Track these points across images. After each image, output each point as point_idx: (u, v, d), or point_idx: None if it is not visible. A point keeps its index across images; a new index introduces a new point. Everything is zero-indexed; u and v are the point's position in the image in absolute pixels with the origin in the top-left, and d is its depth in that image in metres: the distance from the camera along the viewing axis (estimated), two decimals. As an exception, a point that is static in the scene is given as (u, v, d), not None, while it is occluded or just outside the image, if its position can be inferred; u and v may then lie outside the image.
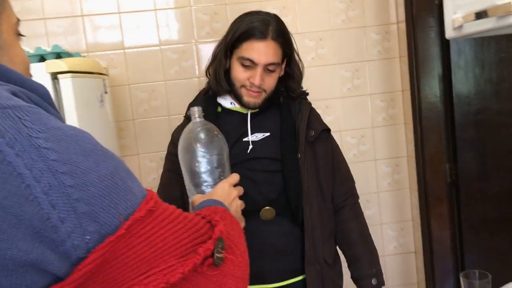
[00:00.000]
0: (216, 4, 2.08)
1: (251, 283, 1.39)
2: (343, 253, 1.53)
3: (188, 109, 1.46)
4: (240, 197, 1.30)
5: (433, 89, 2.05)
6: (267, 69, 1.35)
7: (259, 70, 1.33)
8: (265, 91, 1.38)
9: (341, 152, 1.55)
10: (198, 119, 1.10)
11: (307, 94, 1.50)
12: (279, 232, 1.39)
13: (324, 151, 1.44)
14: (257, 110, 1.42)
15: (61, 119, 0.63)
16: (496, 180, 2.07)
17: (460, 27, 1.23)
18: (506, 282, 1.14)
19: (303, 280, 1.41)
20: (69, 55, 1.55)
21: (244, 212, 1.34)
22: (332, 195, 1.48)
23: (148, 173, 2.10)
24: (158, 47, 2.07)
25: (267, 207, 1.36)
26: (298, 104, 1.44)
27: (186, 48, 2.08)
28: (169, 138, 2.10)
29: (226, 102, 1.44)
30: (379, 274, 1.48)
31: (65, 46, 2.00)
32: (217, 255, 0.63)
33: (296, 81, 1.46)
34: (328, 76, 2.15)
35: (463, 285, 1.13)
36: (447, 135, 2.07)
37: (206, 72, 1.49)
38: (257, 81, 1.33)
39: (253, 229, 1.35)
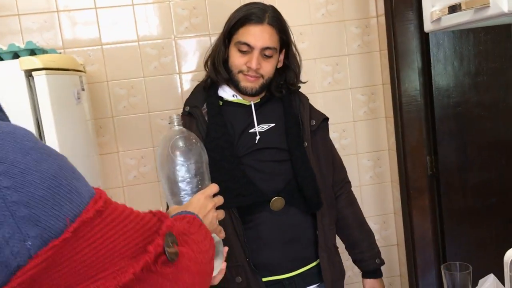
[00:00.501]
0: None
1: (264, 276, 1.38)
2: (342, 238, 1.61)
3: (185, 105, 1.46)
4: (249, 189, 1.33)
5: (413, 82, 2.06)
6: (264, 54, 1.37)
7: (255, 53, 1.35)
8: (262, 76, 1.40)
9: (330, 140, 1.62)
10: (176, 127, 1.08)
11: (299, 87, 1.57)
12: (290, 221, 1.41)
13: (324, 140, 1.50)
14: (259, 100, 1.45)
15: (7, 119, 0.59)
16: (476, 172, 2.09)
17: (438, 20, 1.23)
18: (487, 273, 1.15)
19: (314, 266, 1.47)
20: (43, 51, 1.51)
21: (254, 204, 1.36)
22: (332, 182, 1.55)
23: (129, 171, 2.07)
24: (136, 43, 2.04)
25: (276, 197, 1.37)
26: (298, 96, 1.49)
27: (165, 44, 2.05)
28: (149, 135, 2.09)
29: (228, 94, 1.45)
30: (379, 254, 1.59)
31: (41, 42, 1.96)
32: (168, 249, 0.60)
33: (294, 73, 1.49)
34: (309, 70, 2.14)
35: (445, 277, 1.13)
36: (427, 127, 2.09)
37: (205, 65, 1.50)
38: (253, 64, 1.35)
39: (264, 220, 1.37)
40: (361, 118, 2.22)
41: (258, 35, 1.34)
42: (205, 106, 1.45)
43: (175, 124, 1.07)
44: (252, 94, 1.42)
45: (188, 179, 1.06)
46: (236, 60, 1.39)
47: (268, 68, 1.40)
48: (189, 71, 2.06)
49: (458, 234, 2.12)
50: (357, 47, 2.18)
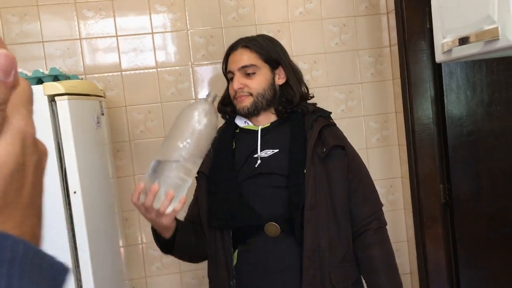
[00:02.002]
0: (212, 28, 2.11)
1: None
2: (365, 281, 1.47)
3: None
4: (248, 213, 1.34)
5: (426, 111, 2.08)
6: (246, 73, 1.44)
7: (236, 75, 1.45)
8: (251, 94, 1.44)
9: (365, 172, 1.52)
10: (212, 103, 1.20)
11: (324, 111, 1.53)
12: (283, 249, 1.37)
13: (337, 168, 1.41)
14: (269, 125, 1.47)
15: None
16: (489, 201, 2.08)
17: (449, 51, 1.26)
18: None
19: None
20: (66, 77, 1.57)
21: (250, 228, 1.36)
22: (354, 216, 1.44)
23: (144, 194, 2.10)
24: (155, 69, 2.10)
25: (271, 223, 1.36)
26: (312, 120, 1.45)
27: (182, 71, 2.11)
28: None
29: (241, 122, 1.50)
30: None
31: (63, 68, 2.02)
32: None
33: (292, 86, 1.49)
34: (323, 98, 2.17)
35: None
36: (440, 156, 2.09)
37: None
38: (234, 85, 1.44)
39: (258, 245, 1.37)
40: (374, 145, 2.24)
41: (234, 59, 1.46)
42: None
43: (212, 99, 1.19)
44: (248, 114, 1.45)
45: (196, 147, 1.15)
46: (230, 90, 1.50)
47: (253, 84, 1.44)
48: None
49: (472, 264, 2.10)
50: (370, 76, 2.21)
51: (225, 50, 2.09)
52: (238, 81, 1.44)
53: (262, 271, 1.37)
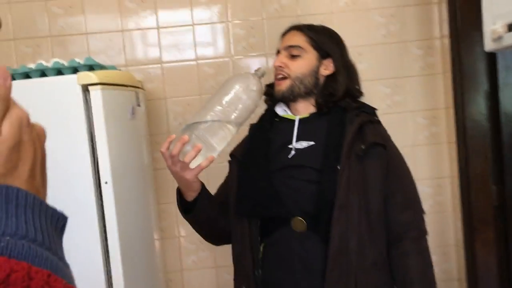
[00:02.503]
0: (253, 19, 2.07)
1: None
2: None
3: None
4: (276, 203, 1.27)
5: (478, 106, 1.94)
6: (291, 54, 1.40)
7: (281, 53, 1.43)
8: (289, 76, 1.40)
9: (407, 175, 1.42)
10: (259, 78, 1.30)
11: (369, 107, 1.46)
12: (308, 248, 1.31)
13: (376, 168, 1.33)
14: (307, 116, 1.42)
15: None
16: (548, 205, 1.91)
17: (500, 38, 1.15)
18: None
19: None
20: (101, 67, 1.57)
21: (277, 221, 1.30)
22: (390, 222, 1.35)
23: (182, 187, 2.09)
24: (195, 62, 2.08)
25: (298, 218, 1.30)
26: (353, 115, 1.38)
27: (222, 63, 2.08)
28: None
29: (280, 110, 1.46)
30: None
31: (106, 61, 2.04)
32: None
33: (338, 80, 1.42)
34: (367, 92, 2.04)
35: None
36: (494, 155, 1.94)
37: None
38: (275, 62, 1.42)
39: (283, 240, 1.32)
40: (421, 143, 2.12)
41: (284, 39, 1.45)
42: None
43: (260, 74, 1.27)
44: (283, 98, 1.41)
45: (232, 113, 1.22)
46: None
47: (294, 66, 1.40)
48: (244, 90, 2.07)
49: (527, 272, 1.94)
50: (418, 69, 2.09)
51: (266, 42, 2.08)
52: (280, 59, 1.41)
53: (286, 267, 1.32)
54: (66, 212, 0.49)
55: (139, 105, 1.76)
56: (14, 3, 2.03)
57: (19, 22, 2.03)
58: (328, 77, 1.45)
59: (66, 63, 1.52)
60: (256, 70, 1.27)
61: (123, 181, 1.56)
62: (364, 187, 1.30)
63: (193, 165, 1.19)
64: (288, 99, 1.43)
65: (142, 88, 1.88)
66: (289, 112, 1.45)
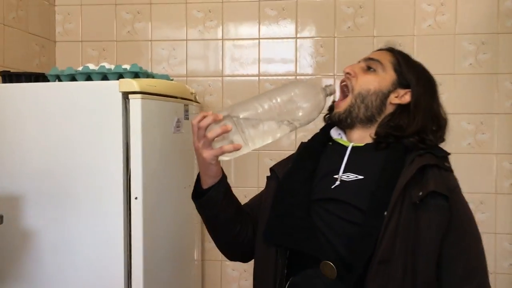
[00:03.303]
0: (324, 36, 1.93)
1: None
2: None
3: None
4: (310, 239, 1.15)
5: None
6: (368, 67, 1.24)
7: (358, 63, 1.27)
8: (352, 91, 1.22)
9: (475, 239, 1.17)
10: (327, 96, 1.17)
11: (439, 150, 1.20)
12: None
13: (432, 223, 1.11)
14: (363, 145, 1.23)
15: None
16: None
17: None
18: None
19: None
20: (148, 75, 1.49)
21: (306, 258, 1.14)
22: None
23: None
24: (256, 78, 1.97)
25: (328, 262, 1.11)
26: (417, 155, 1.16)
27: (285, 81, 1.94)
28: (255, 174, 1.98)
29: (335, 133, 1.29)
30: None
31: (168, 70, 2.00)
32: None
33: (413, 114, 1.21)
34: (446, 127, 1.85)
35: None
36: None
37: None
38: (347, 67, 1.25)
39: (308, 279, 1.15)
40: (506, 191, 1.84)
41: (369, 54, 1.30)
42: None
43: (329, 91, 1.16)
44: (339, 121, 1.24)
45: (278, 115, 1.12)
46: None
47: (362, 79, 1.22)
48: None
49: None
50: (509, 106, 1.84)
51: (335, 62, 1.92)
52: (352, 67, 1.26)
53: None
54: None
55: (187, 118, 1.66)
56: (85, 6, 2.04)
57: (88, 24, 2.05)
58: (400, 109, 1.23)
59: (112, 68, 1.46)
60: (326, 86, 1.15)
61: (156, 197, 1.47)
62: (414, 243, 1.07)
63: (214, 145, 1.09)
64: (345, 123, 1.23)
65: (195, 101, 1.79)
66: (343, 137, 1.27)
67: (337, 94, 1.21)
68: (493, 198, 1.84)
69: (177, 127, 1.59)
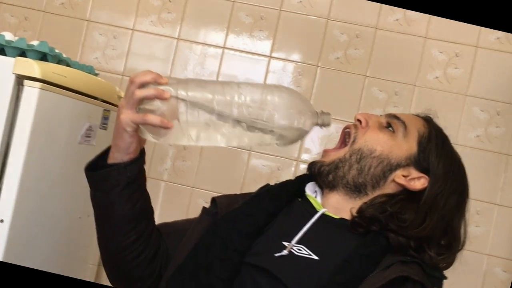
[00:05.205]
0: (305, 64, 1.85)
1: None
2: None
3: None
4: None
5: None
6: (387, 124, 1.22)
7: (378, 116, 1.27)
8: (353, 142, 1.18)
9: None
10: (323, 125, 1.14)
11: (432, 269, 1.11)
12: None
13: None
14: (337, 218, 1.18)
15: None
16: None
17: None
18: None
19: None
20: (60, 60, 1.42)
21: None
22: None
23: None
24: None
25: None
26: (398, 261, 1.08)
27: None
28: (183, 208, 1.95)
29: (310, 189, 1.25)
30: None
31: (101, 62, 1.95)
32: None
33: (418, 211, 1.14)
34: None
35: None
36: None
37: None
38: (359, 114, 1.23)
39: None
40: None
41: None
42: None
43: (321, 120, 1.12)
44: (317, 173, 1.20)
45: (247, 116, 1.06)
46: None
47: (372, 135, 1.18)
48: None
49: None
50: (516, 199, 1.84)
51: (312, 96, 1.90)
52: (369, 116, 1.23)
53: None
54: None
55: (104, 128, 1.53)
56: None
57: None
58: (404, 195, 1.16)
59: (14, 40, 1.36)
60: (323, 112, 1.10)
61: (34, 224, 1.35)
62: None
63: (141, 105, 1.02)
64: (325, 180, 1.19)
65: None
66: (318, 198, 1.22)
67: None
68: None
69: (87, 136, 1.47)
